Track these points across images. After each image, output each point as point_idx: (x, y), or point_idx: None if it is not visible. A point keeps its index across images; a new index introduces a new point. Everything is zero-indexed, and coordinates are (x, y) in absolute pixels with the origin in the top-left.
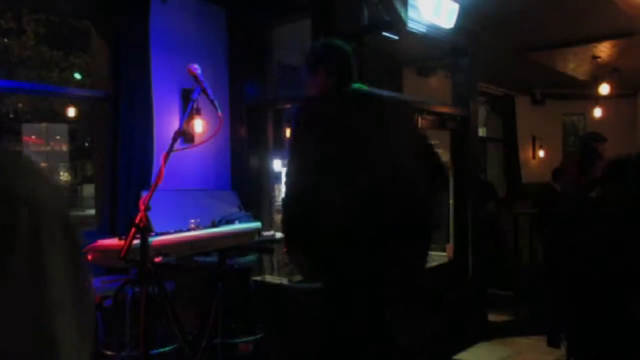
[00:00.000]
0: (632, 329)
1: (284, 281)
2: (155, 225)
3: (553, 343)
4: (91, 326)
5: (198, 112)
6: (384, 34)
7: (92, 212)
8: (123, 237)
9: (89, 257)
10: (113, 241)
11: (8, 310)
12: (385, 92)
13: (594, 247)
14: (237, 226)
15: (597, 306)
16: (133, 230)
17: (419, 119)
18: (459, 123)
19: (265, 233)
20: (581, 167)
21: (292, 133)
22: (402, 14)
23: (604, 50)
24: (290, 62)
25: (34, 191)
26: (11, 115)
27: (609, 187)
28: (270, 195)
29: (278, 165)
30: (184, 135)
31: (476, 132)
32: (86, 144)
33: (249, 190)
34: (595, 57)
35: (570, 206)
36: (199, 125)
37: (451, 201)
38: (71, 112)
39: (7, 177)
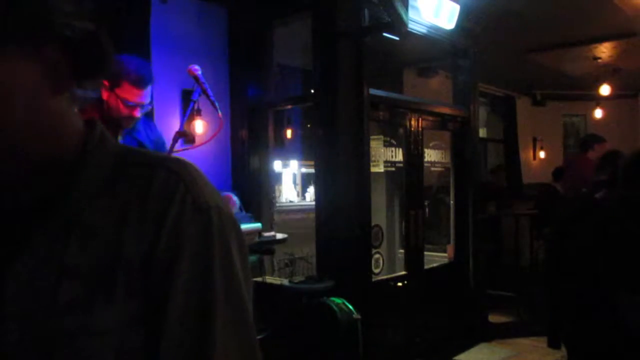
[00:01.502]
0: (628, 333)
1: (285, 282)
2: None
3: (553, 344)
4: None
5: (198, 113)
6: (385, 34)
7: None
8: None
9: None
10: None
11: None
12: None
13: (593, 248)
14: None
15: (596, 308)
16: None
17: (420, 120)
18: (460, 124)
19: (266, 234)
20: (597, 170)
21: None
22: (403, 15)
23: (604, 50)
24: (290, 63)
25: (216, 199)
26: None
27: (611, 189)
28: (270, 196)
29: (278, 166)
30: (185, 136)
31: (477, 132)
32: None
33: (250, 191)
34: (595, 58)
35: (573, 207)
36: (199, 126)
37: (452, 202)
38: None
39: (199, 190)
